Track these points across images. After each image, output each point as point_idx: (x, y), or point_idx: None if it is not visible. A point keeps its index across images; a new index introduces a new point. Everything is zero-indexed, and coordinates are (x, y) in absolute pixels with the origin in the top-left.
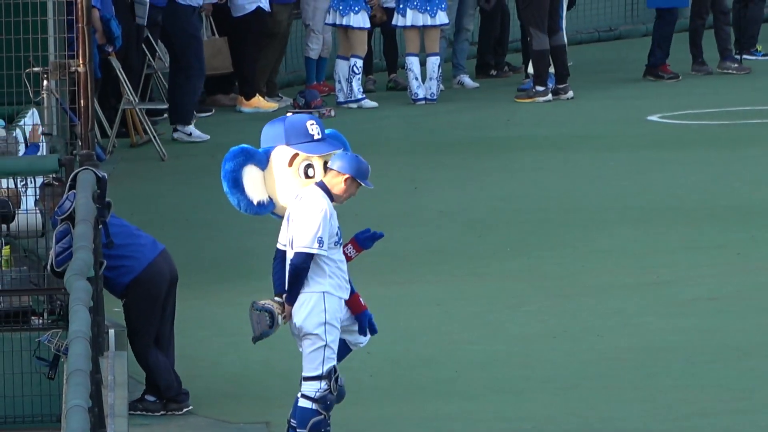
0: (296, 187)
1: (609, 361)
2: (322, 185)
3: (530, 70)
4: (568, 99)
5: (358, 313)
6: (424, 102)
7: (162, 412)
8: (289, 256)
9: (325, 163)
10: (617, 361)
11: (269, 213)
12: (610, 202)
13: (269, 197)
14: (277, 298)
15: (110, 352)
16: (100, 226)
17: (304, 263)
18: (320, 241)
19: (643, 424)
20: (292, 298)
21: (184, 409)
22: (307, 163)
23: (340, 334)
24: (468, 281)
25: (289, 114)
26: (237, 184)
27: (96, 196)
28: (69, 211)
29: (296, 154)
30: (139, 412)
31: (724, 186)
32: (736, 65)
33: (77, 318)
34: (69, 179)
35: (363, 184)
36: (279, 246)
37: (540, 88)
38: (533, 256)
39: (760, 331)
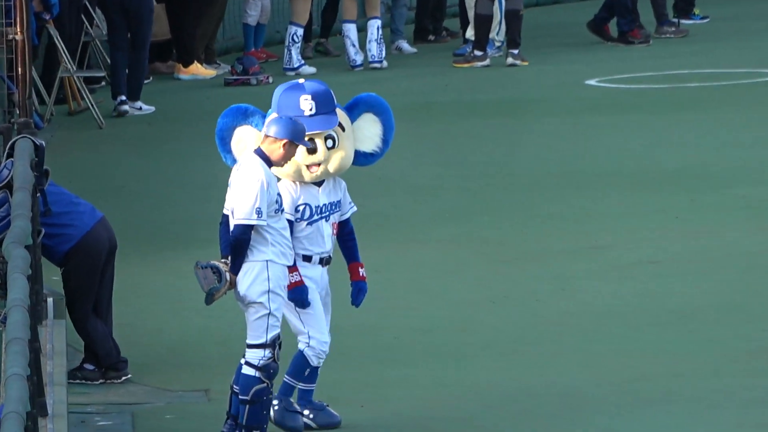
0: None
1: (549, 325)
2: (260, 152)
3: (468, 35)
4: (508, 65)
5: (356, 282)
6: (361, 68)
7: (101, 381)
8: (231, 225)
9: (310, 140)
10: (557, 326)
11: None
12: (550, 167)
13: None
14: (223, 260)
15: (49, 321)
16: (38, 194)
17: (243, 234)
18: (258, 212)
19: (584, 388)
20: (235, 269)
21: (123, 378)
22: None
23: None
24: (408, 247)
25: (301, 81)
26: (223, 142)
27: (34, 164)
28: (7, 180)
29: None
30: (78, 381)
31: (664, 150)
32: (673, 29)
33: (16, 286)
34: (7, 147)
35: (300, 144)
36: (225, 210)
37: (478, 53)
38: (473, 221)
39: (700, 295)
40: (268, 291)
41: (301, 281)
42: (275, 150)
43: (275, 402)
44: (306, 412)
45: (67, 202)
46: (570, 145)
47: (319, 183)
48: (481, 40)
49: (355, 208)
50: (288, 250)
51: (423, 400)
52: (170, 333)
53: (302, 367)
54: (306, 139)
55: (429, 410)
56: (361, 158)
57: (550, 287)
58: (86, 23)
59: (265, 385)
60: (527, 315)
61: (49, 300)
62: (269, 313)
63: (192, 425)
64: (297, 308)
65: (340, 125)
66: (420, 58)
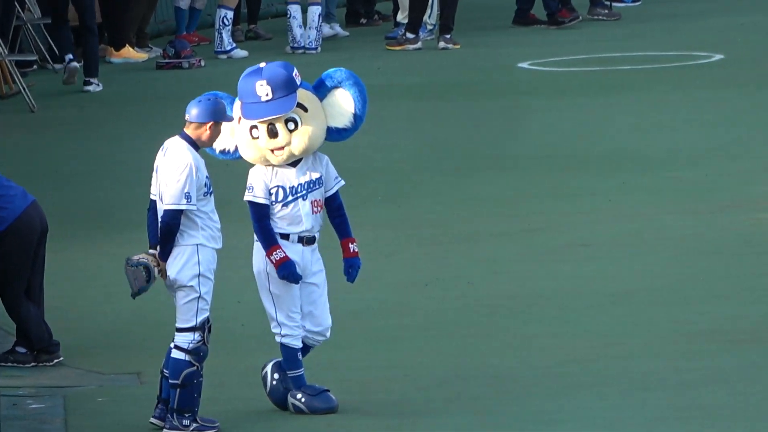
0: (245, 146)
1: (482, 308)
2: (185, 136)
3: (399, 18)
4: (441, 49)
5: (347, 258)
6: (303, 51)
7: (33, 364)
8: (160, 208)
9: (270, 125)
10: (490, 308)
11: (240, 158)
12: (482, 149)
13: (235, 146)
14: (151, 251)
15: None
16: None
17: (173, 219)
18: (188, 197)
19: (517, 371)
20: (165, 255)
21: (55, 360)
22: (252, 124)
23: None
24: None
25: (261, 65)
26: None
27: None
28: None
29: (241, 116)
30: (9, 364)
31: (596, 133)
32: (606, 11)
33: None
34: None
35: (225, 122)
36: (152, 196)
37: (410, 35)
38: (406, 204)
39: (633, 278)
40: (199, 275)
41: (287, 257)
42: (202, 133)
43: (299, 395)
44: (299, 395)
45: None
46: (502, 127)
47: (294, 163)
48: (415, 23)
49: (342, 182)
50: (217, 233)
51: (355, 383)
52: (103, 316)
53: (291, 356)
54: (266, 124)
55: (361, 393)
56: (334, 134)
57: (483, 270)
58: (17, 7)
59: (195, 368)
60: (460, 298)
61: None
62: (199, 297)
63: (124, 408)
64: (271, 290)
65: (301, 106)
66: (352, 41)
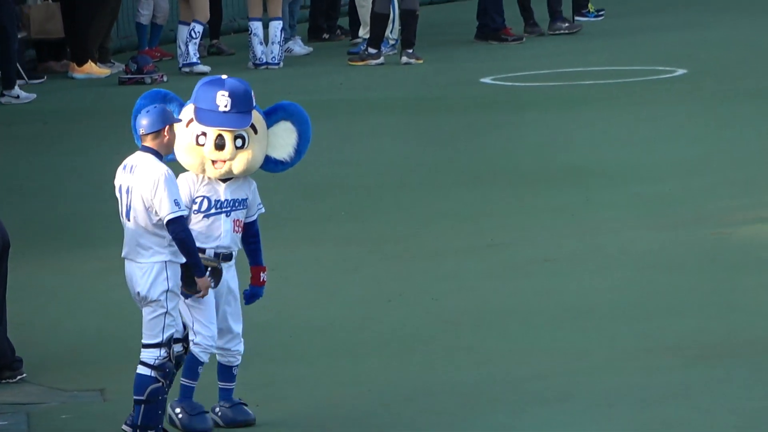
0: (185, 150)
1: (445, 324)
2: (147, 149)
3: (360, 33)
4: (403, 63)
5: (252, 286)
6: (265, 67)
7: None
8: (128, 228)
9: (219, 136)
10: (453, 324)
11: (175, 160)
12: (445, 165)
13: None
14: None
15: None
16: None
17: (179, 227)
18: (177, 203)
19: (481, 386)
20: (199, 271)
21: (18, 377)
22: (201, 131)
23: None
24: (303, 246)
25: (224, 76)
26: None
27: None
28: None
29: (192, 119)
30: None
31: (559, 148)
32: (566, 24)
33: None
34: None
35: (176, 122)
36: (123, 219)
37: (372, 51)
38: (369, 220)
39: (596, 293)
40: (167, 290)
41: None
42: (161, 141)
43: (177, 410)
44: (217, 410)
45: None
46: (465, 142)
47: (225, 179)
48: (377, 39)
49: (262, 210)
50: None
51: (319, 399)
52: (66, 332)
53: (193, 366)
54: (216, 135)
55: (325, 409)
56: (270, 164)
57: (446, 285)
58: None
59: (160, 384)
60: (423, 313)
61: None
62: (166, 312)
63: (88, 425)
64: (187, 300)
65: (253, 127)
66: (314, 56)
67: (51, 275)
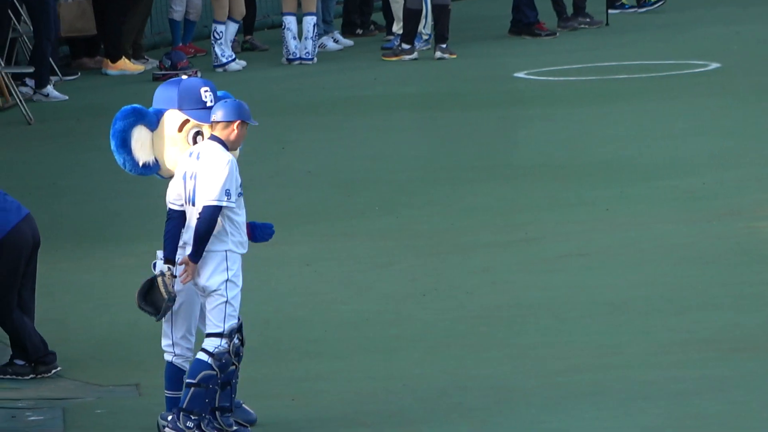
0: (181, 153)
1: (478, 318)
2: (216, 139)
3: (394, 29)
4: (437, 59)
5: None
6: (299, 62)
7: (31, 376)
8: (193, 214)
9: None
10: (486, 319)
11: (154, 174)
12: (478, 159)
13: (155, 159)
14: (171, 268)
15: None
16: None
17: (212, 216)
18: (228, 194)
19: (513, 380)
20: (197, 257)
21: (53, 371)
22: (196, 130)
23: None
24: (337, 241)
25: (184, 76)
26: (125, 144)
27: None
28: None
29: (187, 120)
30: (8, 376)
31: (592, 142)
32: (588, 20)
33: None
34: None
35: (250, 123)
36: (173, 206)
37: (406, 46)
38: (402, 215)
39: (629, 287)
40: (227, 280)
41: None
42: (230, 133)
43: (170, 417)
44: (170, 418)
45: None
46: (499, 137)
47: None
48: (410, 34)
49: None
50: (245, 239)
51: (354, 393)
52: (99, 328)
53: (177, 376)
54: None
55: (360, 404)
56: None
57: (480, 280)
58: (13, 19)
59: (214, 373)
60: (457, 308)
61: None
62: (226, 302)
63: (123, 420)
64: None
65: None
66: (348, 52)
67: (84, 272)
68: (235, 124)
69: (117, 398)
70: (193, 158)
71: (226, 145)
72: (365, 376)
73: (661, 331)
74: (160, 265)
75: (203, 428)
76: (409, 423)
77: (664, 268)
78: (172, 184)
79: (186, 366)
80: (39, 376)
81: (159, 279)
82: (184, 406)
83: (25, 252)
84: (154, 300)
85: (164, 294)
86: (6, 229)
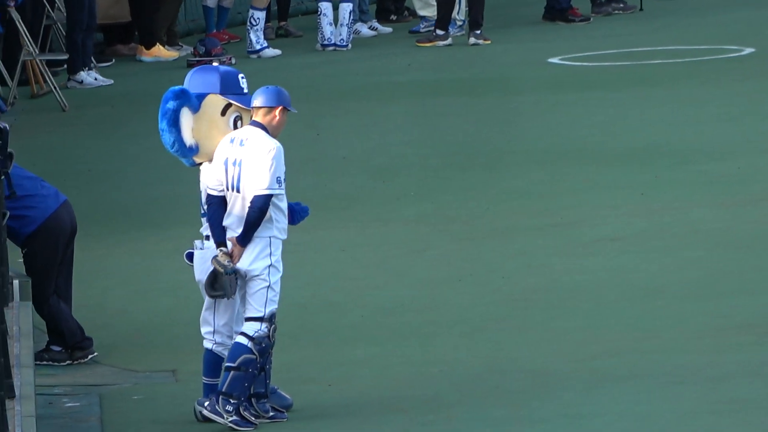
0: (222, 137)
1: (515, 302)
2: (258, 124)
3: (421, 12)
4: (471, 45)
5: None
6: (333, 48)
7: (68, 362)
8: (236, 200)
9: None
10: (523, 303)
11: (189, 158)
12: (513, 144)
13: (196, 142)
14: (223, 249)
15: (15, 303)
16: (3, 178)
17: (265, 205)
18: (278, 181)
19: (550, 364)
20: (246, 241)
21: (89, 356)
22: (237, 114)
23: None
24: (373, 226)
25: (215, 63)
26: (176, 123)
27: None
28: None
29: (229, 105)
30: (45, 362)
31: (627, 127)
32: (621, 5)
33: None
34: None
35: (290, 110)
36: (212, 191)
37: (440, 32)
38: (438, 200)
39: (665, 271)
40: (270, 266)
41: None
42: (272, 119)
43: (207, 403)
44: (207, 404)
45: (31, 186)
46: (533, 122)
47: None
48: (444, 20)
49: None
50: (286, 225)
51: (390, 379)
52: (136, 314)
53: (216, 363)
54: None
55: (396, 389)
56: None
57: (516, 264)
58: (47, 7)
59: (254, 357)
60: (493, 292)
61: (15, 282)
62: (269, 286)
63: (160, 406)
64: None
65: None
66: (382, 38)
67: (120, 257)
68: (277, 110)
69: (154, 384)
70: (235, 144)
71: (268, 131)
72: (401, 361)
73: (696, 315)
74: (199, 254)
75: (241, 413)
76: (445, 407)
77: (700, 253)
78: (209, 169)
79: (225, 354)
80: (76, 362)
81: (212, 261)
82: (223, 389)
83: (62, 238)
84: (221, 284)
85: (221, 269)
86: (44, 216)
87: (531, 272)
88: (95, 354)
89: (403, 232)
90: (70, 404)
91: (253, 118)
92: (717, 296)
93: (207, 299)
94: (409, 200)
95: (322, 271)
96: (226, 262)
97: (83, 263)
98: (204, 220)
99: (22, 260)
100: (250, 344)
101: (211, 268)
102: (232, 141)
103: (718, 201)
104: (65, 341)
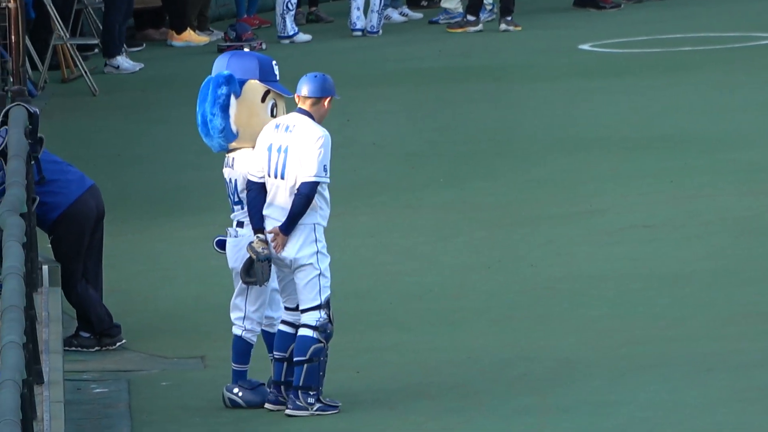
0: (262, 124)
1: (542, 290)
2: (305, 112)
3: (443, 4)
4: (502, 31)
5: None
6: (361, 34)
7: (96, 348)
8: (279, 187)
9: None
10: (550, 291)
11: (223, 143)
12: (543, 132)
13: (237, 128)
14: (260, 236)
15: (44, 288)
16: (33, 162)
17: (312, 192)
18: (326, 169)
19: (577, 352)
20: (291, 229)
21: (118, 343)
22: (274, 101)
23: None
24: (402, 213)
25: (246, 49)
26: (227, 109)
27: (28, 132)
28: (1, 147)
29: (268, 91)
30: (74, 348)
31: (656, 114)
32: None
33: (11, 254)
34: (1, 115)
35: (336, 97)
36: (252, 177)
37: (471, 18)
38: (466, 187)
39: (693, 259)
40: (317, 252)
41: None
42: (321, 107)
43: (236, 389)
44: (236, 390)
45: (57, 170)
46: (563, 109)
47: None
48: (475, 6)
49: None
50: (328, 211)
51: (418, 365)
52: (164, 299)
53: (245, 350)
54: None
55: (424, 376)
56: None
57: (544, 252)
58: None
59: (321, 345)
60: (521, 280)
61: (44, 267)
62: (320, 274)
63: (188, 392)
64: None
65: None
66: (413, 24)
67: (149, 243)
68: (327, 100)
69: (182, 370)
70: (281, 130)
71: (314, 119)
72: (429, 348)
73: (724, 303)
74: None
75: (322, 400)
76: (473, 394)
77: (728, 241)
78: (248, 155)
79: (254, 340)
80: (104, 348)
81: (247, 248)
82: (300, 384)
83: (88, 223)
84: (255, 271)
85: (254, 256)
86: (68, 201)
87: (559, 260)
88: (123, 341)
89: (432, 218)
90: (98, 390)
91: (299, 106)
92: (744, 284)
93: (239, 286)
94: (438, 187)
95: (350, 257)
96: (260, 249)
97: (112, 248)
98: (236, 207)
99: (50, 246)
100: (315, 334)
101: (247, 255)
102: (277, 127)
103: (747, 189)
104: (93, 328)
